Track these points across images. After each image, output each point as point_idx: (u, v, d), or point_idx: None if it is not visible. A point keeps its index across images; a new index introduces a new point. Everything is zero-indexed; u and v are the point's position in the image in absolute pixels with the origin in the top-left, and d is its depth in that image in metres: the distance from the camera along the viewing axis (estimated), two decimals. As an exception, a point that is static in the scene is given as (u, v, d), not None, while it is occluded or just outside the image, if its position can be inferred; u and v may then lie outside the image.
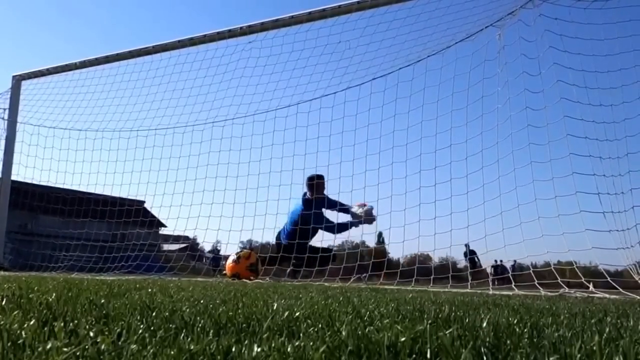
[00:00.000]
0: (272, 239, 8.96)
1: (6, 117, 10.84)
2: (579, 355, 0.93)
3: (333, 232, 8.27)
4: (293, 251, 8.05)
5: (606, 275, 5.90)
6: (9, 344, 0.95)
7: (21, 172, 10.96)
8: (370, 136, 8.36)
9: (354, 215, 8.16)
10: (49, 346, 0.94)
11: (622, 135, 5.97)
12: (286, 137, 8.97)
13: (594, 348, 0.97)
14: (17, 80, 10.94)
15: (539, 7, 6.65)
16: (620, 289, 5.43)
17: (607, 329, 1.33)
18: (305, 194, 8.49)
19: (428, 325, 1.17)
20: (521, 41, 6.94)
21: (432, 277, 7.01)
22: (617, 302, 3.62)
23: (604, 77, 6.32)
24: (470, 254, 13.25)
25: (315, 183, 8.39)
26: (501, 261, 16.43)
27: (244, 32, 8.74)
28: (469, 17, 7.32)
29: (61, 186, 11.11)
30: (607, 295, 4.70)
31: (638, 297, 4.42)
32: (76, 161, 10.71)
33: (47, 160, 10.88)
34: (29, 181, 11.28)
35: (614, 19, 6.38)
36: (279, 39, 8.78)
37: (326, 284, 6.38)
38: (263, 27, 8.66)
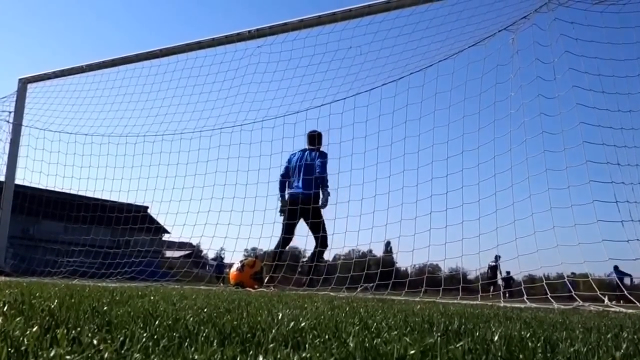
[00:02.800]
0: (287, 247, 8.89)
1: (11, 120, 10.86)
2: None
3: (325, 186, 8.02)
4: (307, 203, 7.83)
5: (623, 288, 5.81)
6: (11, 351, 0.94)
7: (27, 177, 10.97)
8: (381, 143, 8.27)
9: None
10: (52, 354, 0.93)
11: (641, 142, 5.89)
12: (296, 144, 8.93)
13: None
14: (23, 84, 10.97)
15: (554, 10, 6.56)
16: (637, 302, 5.34)
17: (625, 345, 1.30)
18: (314, 148, 8.22)
19: (438, 338, 1.14)
20: (535, 46, 6.86)
21: (441, 287, 6.91)
22: (634, 316, 3.55)
23: (622, 82, 6.21)
24: (495, 267, 13.14)
25: (317, 135, 8.29)
26: (508, 273, 16.37)
27: (252, 35, 8.71)
28: (482, 22, 7.24)
29: (66, 191, 11.11)
30: (622, 309, 4.62)
31: None
32: (82, 166, 10.71)
33: (52, 165, 10.88)
34: (34, 185, 11.30)
35: (632, 22, 6.30)
36: (289, 44, 8.74)
37: (332, 293, 6.34)
38: (272, 31, 8.61)
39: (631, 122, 6.02)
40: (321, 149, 8.29)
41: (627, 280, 14.79)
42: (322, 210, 8.03)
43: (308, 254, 8.49)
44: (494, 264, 13.17)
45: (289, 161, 8.38)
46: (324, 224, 8.05)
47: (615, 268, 15.60)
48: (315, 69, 8.72)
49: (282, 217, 8.23)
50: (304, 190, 7.98)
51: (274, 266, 7.89)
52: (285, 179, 8.35)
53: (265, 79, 9.21)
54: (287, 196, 8.22)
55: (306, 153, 8.25)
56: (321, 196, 7.98)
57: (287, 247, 8.56)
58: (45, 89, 11.07)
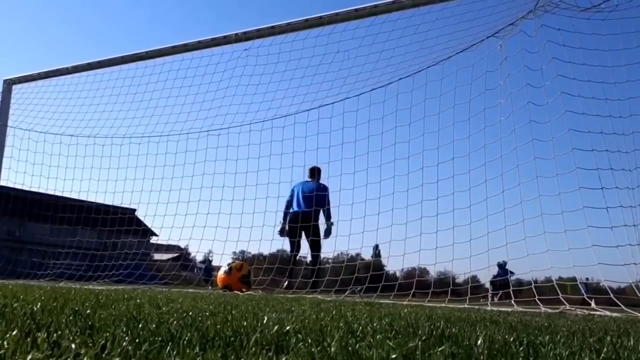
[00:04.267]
0: (266, 251, 9.08)
1: (-4, 120, 10.74)
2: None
3: (328, 220, 8.38)
4: (307, 220, 8.25)
5: (609, 292, 5.86)
6: (-13, 356, 0.92)
7: (11, 177, 10.84)
8: (370, 148, 8.31)
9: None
10: (29, 358, 0.91)
11: (631, 148, 5.92)
12: (284, 148, 8.92)
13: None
14: (8, 85, 10.86)
15: (540, 17, 6.62)
16: (623, 306, 5.40)
17: (605, 349, 1.31)
18: (315, 181, 8.64)
19: (420, 342, 1.15)
20: (523, 52, 6.92)
21: (430, 290, 6.93)
22: (619, 320, 3.58)
23: (611, 88, 6.28)
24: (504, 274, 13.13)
25: (317, 170, 8.67)
26: (496, 277, 16.44)
27: (239, 38, 8.68)
28: (469, 28, 7.29)
29: (51, 193, 11.00)
30: (608, 313, 4.66)
31: None
32: (67, 167, 10.61)
33: (37, 166, 10.79)
34: (19, 187, 11.17)
35: (617, 29, 6.37)
36: (276, 47, 8.72)
37: (319, 296, 6.33)
38: (259, 34, 8.58)
39: (622, 128, 6.09)
40: (320, 182, 8.59)
41: (512, 278, 14.84)
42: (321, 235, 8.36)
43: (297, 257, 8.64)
44: (502, 266, 13.17)
45: (292, 192, 8.67)
46: (320, 244, 8.29)
47: (500, 266, 15.10)
48: (303, 73, 8.72)
49: (282, 237, 8.61)
50: (305, 209, 8.28)
51: (289, 275, 8.39)
52: (287, 210, 8.64)
53: (252, 81, 9.20)
54: (288, 217, 8.56)
55: (307, 184, 8.59)
56: (323, 222, 8.34)
57: (298, 257, 8.84)
58: (30, 90, 10.97)
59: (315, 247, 8.27)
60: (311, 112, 8.76)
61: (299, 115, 8.85)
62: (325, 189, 8.46)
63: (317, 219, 8.36)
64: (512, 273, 13.81)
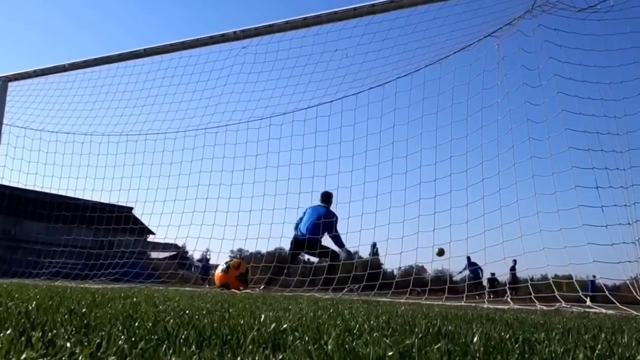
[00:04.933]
0: (264, 249, 9.10)
1: (-8, 118, 10.68)
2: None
3: (340, 246, 8.41)
4: (312, 246, 8.34)
5: (604, 289, 5.89)
6: (-19, 355, 0.92)
7: (6, 176, 10.81)
8: (369, 147, 8.34)
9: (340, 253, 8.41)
10: (23, 357, 0.91)
11: (626, 148, 5.96)
12: (282, 146, 8.93)
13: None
14: (4, 82, 10.79)
15: (537, 17, 6.63)
16: (618, 304, 5.43)
17: (600, 346, 1.31)
18: (325, 206, 8.70)
19: (417, 340, 1.14)
20: (521, 52, 6.96)
21: (427, 288, 6.97)
22: (614, 317, 3.60)
23: (606, 88, 6.31)
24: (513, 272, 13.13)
25: (329, 196, 8.74)
26: (493, 274, 16.47)
27: (237, 36, 8.65)
28: (467, 27, 7.31)
29: (47, 191, 10.97)
30: (603, 310, 4.69)
31: (635, 313, 4.40)
32: (63, 165, 10.57)
33: (33, 164, 10.75)
34: (14, 185, 11.13)
35: (613, 30, 6.40)
36: (274, 45, 8.70)
37: (317, 295, 6.33)
38: (257, 32, 8.55)
39: (616, 127, 6.12)
40: (330, 209, 8.63)
41: (479, 272, 14.85)
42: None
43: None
44: (513, 265, 13.18)
45: (303, 215, 8.74)
46: (334, 253, 8.36)
47: (468, 259, 15.14)
48: (301, 71, 8.73)
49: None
50: (311, 235, 8.34)
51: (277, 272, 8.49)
52: (295, 232, 8.71)
53: (250, 79, 9.20)
54: (293, 239, 8.62)
55: (318, 209, 8.62)
56: (341, 254, 8.33)
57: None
58: (26, 88, 10.90)
59: (332, 258, 8.30)
60: (309, 110, 8.77)
61: (296, 114, 8.87)
62: (333, 215, 8.50)
63: (320, 242, 8.41)
64: (481, 269, 13.78)
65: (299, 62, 8.69)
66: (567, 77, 6.42)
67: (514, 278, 12.77)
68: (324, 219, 8.35)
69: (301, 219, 8.71)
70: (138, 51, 9.43)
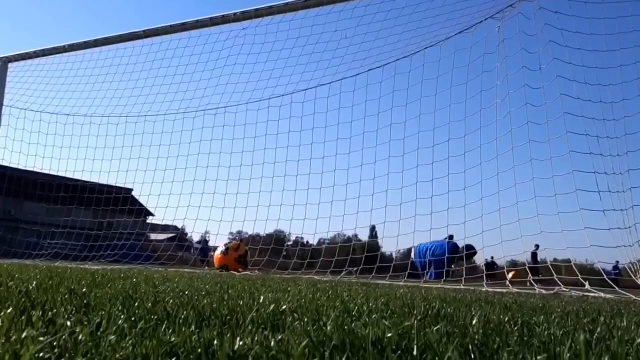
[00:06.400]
0: (263, 231, 9.03)
1: (-8, 99, 10.63)
2: (568, 355, 0.91)
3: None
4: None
5: (603, 274, 5.90)
6: (-18, 333, 0.92)
7: (6, 157, 10.81)
8: (367, 129, 8.33)
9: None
10: (24, 335, 0.91)
11: (622, 133, 5.96)
12: (281, 128, 8.92)
13: (583, 348, 0.95)
14: (4, 62, 10.72)
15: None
16: (617, 288, 5.45)
17: (599, 329, 1.31)
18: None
19: (416, 322, 1.15)
20: (521, 35, 6.92)
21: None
22: (612, 301, 3.62)
23: (605, 73, 6.30)
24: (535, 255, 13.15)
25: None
26: (492, 258, 16.50)
27: (237, 18, 8.59)
28: (468, 8, 7.26)
29: (47, 172, 10.97)
30: (602, 295, 4.71)
31: (633, 297, 4.42)
32: (63, 147, 10.60)
33: (33, 145, 10.75)
34: (15, 166, 11.11)
35: (614, 14, 6.35)
36: (274, 27, 8.68)
37: (316, 277, 6.36)
38: (257, 14, 8.50)
39: (613, 114, 6.10)
40: None
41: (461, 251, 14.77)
42: None
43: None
44: (535, 250, 13.15)
45: None
46: None
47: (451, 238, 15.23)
48: (300, 52, 8.68)
49: None
50: None
51: None
52: None
53: (250, 60, 9.17)
54: None
55: None
56: None
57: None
58: (26, 69, 10.88)
59: None
60: (308, 92, 8.74)
61: (295, 95, 8.83)
62: None
63: None
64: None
65: (298, 43, 8.66)
66: (567, 61, 6.40)
67: (535, 263, 12.76)
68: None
69: None
70: (138, 33, 9.37)
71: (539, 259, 13.50)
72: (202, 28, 8.96)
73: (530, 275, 6.77)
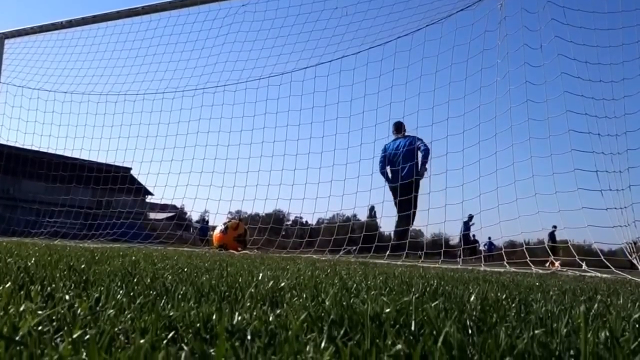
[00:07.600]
0: (262, 210, 8.94)
1: (-12, 76, 10.54)
2: (565, 330, 0.92)
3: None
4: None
5: (600, 254, 5.92)
6: (-20, 306, 0.92)
7: (4, 135, 10.76)
8: (366, 108, 8.25)
9: None
10: (22, 308, 0.91)
11: (621, 113, 5.89)
12: (280, 106, 8.85)
13: (581, 323, 0.96)
14: (1, 39, 10.59)
15: (542, -26, 6.47)
16: (613, 268, 5.47)
17: (596, 306, 1.32)
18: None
19: (414, 298, 1.15)
20: (523, 12, 6.80)
21: (423, 252, 6.98)
22: (609, 281, 3.65)
23: (605, 52, 6.21)
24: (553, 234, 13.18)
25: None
26: (489, 238, 16.62)
27: (237, -7, 8.49)
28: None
29: (45, 150, 10.93)
30: (599, 274, 4.74)
31: (629, 277, 4.45)
32: (61, 125, 10.51)
33: (30, 123, 10.68)
34: (12, 144, 11.07)
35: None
36: (274, 3, 8.61)
37: (314, 256, 6.40)
38: (257, -10, 8.39)
39: (612, 93, 6.04)
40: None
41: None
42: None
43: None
44: (553, 231, 13.19)
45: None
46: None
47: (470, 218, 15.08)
48: (300, 29, 8.58)
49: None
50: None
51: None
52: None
53: (249, 38, 9.07)
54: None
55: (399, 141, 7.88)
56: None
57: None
58: (23, 45, 10.74)
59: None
60: (308, 70, 8.65)
61: (295, 74, 8.75)
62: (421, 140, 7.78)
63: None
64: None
65: (297, 20, 8.56)
66: (568, 39, 6.32)
67: (553, 243, 12.79)
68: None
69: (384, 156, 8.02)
70: (136, 9, 9.23)
71: (557, 239, 13.53)
72: (202, 4, 8.83)
73: (552, 255, 6.69)
